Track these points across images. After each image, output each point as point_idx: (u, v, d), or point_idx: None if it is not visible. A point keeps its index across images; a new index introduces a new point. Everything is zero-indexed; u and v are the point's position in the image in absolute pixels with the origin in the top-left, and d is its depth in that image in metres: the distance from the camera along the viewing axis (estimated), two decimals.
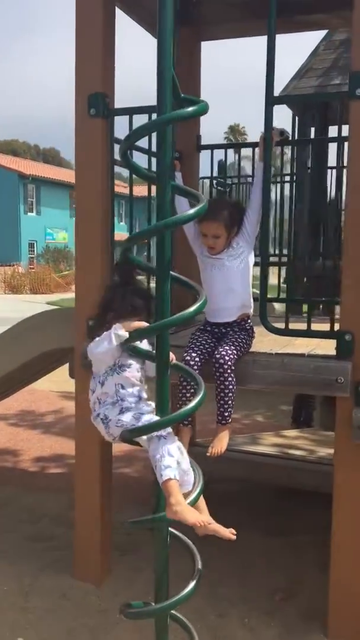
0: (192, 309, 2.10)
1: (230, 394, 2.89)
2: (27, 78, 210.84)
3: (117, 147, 3.25)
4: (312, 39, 8.22)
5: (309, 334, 3.05)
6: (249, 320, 3.16)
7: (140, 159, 2.84)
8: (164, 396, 2.10)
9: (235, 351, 2.94)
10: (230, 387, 2.89)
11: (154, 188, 2.10)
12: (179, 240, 3.40)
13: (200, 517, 2.05)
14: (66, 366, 5.29)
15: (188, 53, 4.18)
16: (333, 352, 2.88)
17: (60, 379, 8.51)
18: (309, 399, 6.35)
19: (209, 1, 4.08)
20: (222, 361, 2.88)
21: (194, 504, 2.10)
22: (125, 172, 3.54)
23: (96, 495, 3.40)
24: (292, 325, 3.12)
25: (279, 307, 8.11)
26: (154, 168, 3.04)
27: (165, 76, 1.97)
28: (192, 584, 2.16)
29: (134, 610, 2.28)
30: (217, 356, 2.91)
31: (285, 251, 6.29)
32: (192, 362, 2.92)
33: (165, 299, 2.06)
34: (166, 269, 2.05)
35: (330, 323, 3.02)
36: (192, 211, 2.09)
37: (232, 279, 3.11)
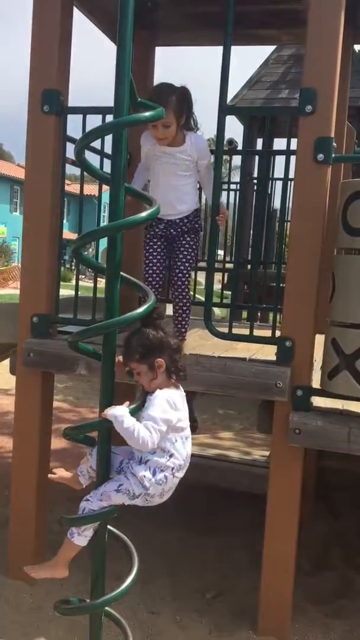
0: (140, 309, 2.15)
1: (187, 311, 3.22)
2: None
3: (69, 146, 3.26)
4: (260, 51, 8.44)
5: (251, 339, 3.14)
6: (198, 219, 3.26)
7: (90, 159, 2.86)
8: (108, 393, 2.12)
9: (189, 265, 3.18)
10: (188, 304, 3.22)
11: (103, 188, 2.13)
12: (125, 241, 3.43)
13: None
14: (2, 363, 5.24)
15: (142, 57, 4.22)
16: (273, 358, 2.98)
17: None
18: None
19: (165, 8, 4.14)
20: (179, 282, 3.16)
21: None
22: (69, 170, 3.53)
23: (32, 493, 3.38)
24: (232, 331, 3.20)
25: (218, 311, 8.25)
26: (104, 169, 3.09)
27: (124, 79, 2.02)
28: (129, 580, 2.19)
29: (70, 607, 2.29)
30: (175, 279, 3.17)
31: (227, 258, 6.41)
32: (154, 282, 3.16)
33: (115, 298, 2.10)
34: (117, 270, 2.09)
35: (272, 329, 3.12)
36: (144, 214, 2.15)
37: (177, 176, 3.15)
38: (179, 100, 3.06)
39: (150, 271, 3.19)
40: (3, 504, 4.18)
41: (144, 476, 2.10)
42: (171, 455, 2.12)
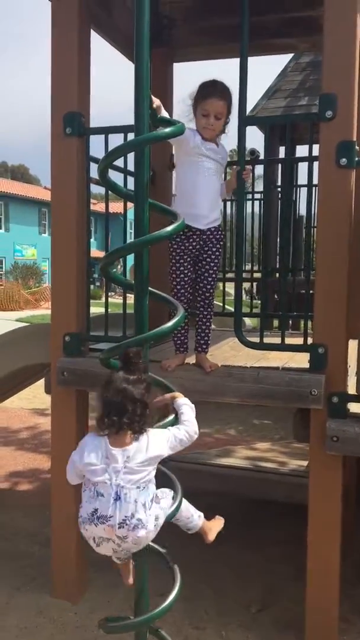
0: (170, 323, 2.16)
1: (208, 323, 3.20)
2: None
3: (92, 165, 3.31)
4: (278, 61, 8.47)
5: (283, 347, 3.12)
6: (222, 231, 3.28)
7: (114, 177, 2.89)
8: None
9: (214, 275, 3.20)
10: (210, 316, 3.21)
11: (129, 205, 2.15)
12: (152, 256, 3.45)
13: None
14: (37, 383, 5.31)
15: (160, 74, 4.27)
16: (306, 365, 2.95)
17: (30, 396, 8.50)
18: None
19: (181, 25, 4.19)
20: (208, 294, 3.18)
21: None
22: (94, 189, 3.57)
23: (73, 511, 3.38)
24: (264, 340, 3.18)
25: (249, 321, 8.22)
26: (128, 186, 3.12)
27: (143, 98, 2.04)
28: (172, 596, 2.18)
29: (115, 624, 2.28)
30: (204, 290, 3.18)
31: (255, 267, 6.40)
32: (183, 298, 3.13)
33: (144, 314, 2.11)
34: (145, 285, 2.10)
35: (304, 336, 3.09)
36: (169, 228, 2.16)
37: (216, 177, 3.14)
38: (231, 101, 3.08)
39: (180, 287, 3.16)
40: (45, 523, 4.21)
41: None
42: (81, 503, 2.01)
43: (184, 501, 2.24)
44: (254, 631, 3.17)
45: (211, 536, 2.40)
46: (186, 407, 2.15)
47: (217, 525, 2.46)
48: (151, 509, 1.97)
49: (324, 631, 2.98)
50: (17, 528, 4.42)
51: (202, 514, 2.35)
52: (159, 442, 2.00)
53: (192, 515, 2.30)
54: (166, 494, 2.14)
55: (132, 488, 1.93)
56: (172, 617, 3.12)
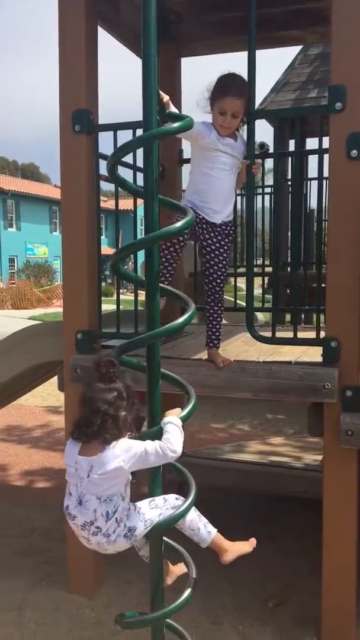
0: (181, 319, 2.15)
1: (219, 319, 3.15)
2: (3, 95, 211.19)
3: (102, 163, 3.31)
4: (286, 53, 8.40)
5: (295, 341, 3.11)
6: (230, 224, 3.22)
7: (124, 174, 2.88)
8: (155, 406, 2.13)
9: (224, 269, 3.14)
10: (220, 312, 3.15)
11: (139, 201, 2.15)
12: None
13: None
14: (51, 381, 5.32)
15: (168, 69, 4.25)
16: (319, 359, 2.94)
17: (44, 394, 8.54)
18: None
19: (188, 20, 4.17)
20: (219, 288, 3.10)
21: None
22: (105, 186, 3.56)
23: None
24: (276, 334, 3.17)
25: (261, 316, 8.20)
26: (138, 182, 3.12)
27: (151, 93, 2.03)
28: (188, 591, 2.18)
29: (131, 620, 2.28)
30: (214, 284, 3.10)
31: (267, 261, 6.38)
32: (168, 275, 3.00)
33: (155, 310, 2.11)
34: (155, 281, 2.10)
35: (316, 330, 3.08)
36: (179, 224, 2.15)
37: (232, 173, 3.10)
38: (248, 97, 3.00)
39: (167, 263, 3.00)
40: (60, 520, 4.23)
41: None
42: None
43: (193, 513, 2.18)
44: (271, 626, 3.17)
45: (227, 557, 2.29)
46: (171, 425, 2.03)
47: (239, 547, 2.34)
48: (114, 519, 1.95)
49: (341, 626, 2.97)
50: (33, 525, 4.45)
51: (214, 531, 2.24)
52: (121, 455, 1.92)
53: (197, 529, 2.20)
54: (168, 502, 2.09)
55: (91, 498, 1.95)
56: (189, 612, 3.12)
